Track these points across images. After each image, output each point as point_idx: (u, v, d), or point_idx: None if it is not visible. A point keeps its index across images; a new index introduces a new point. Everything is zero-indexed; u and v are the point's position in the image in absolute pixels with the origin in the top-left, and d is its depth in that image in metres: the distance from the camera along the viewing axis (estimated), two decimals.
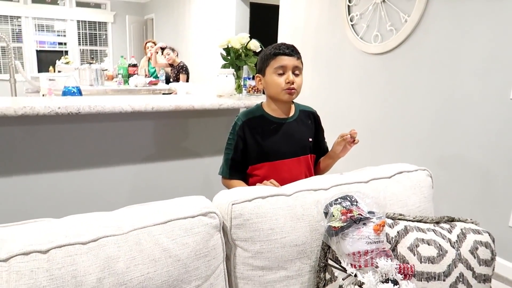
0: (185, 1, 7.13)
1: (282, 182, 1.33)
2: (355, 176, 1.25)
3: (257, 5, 6.08)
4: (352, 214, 0.93)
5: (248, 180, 1.50)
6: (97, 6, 9.85)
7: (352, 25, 3.39)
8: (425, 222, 1.10)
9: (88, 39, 9.86)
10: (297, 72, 1.41)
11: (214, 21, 5.94)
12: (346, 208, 0.95)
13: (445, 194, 2.58)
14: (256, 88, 2.37)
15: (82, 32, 9.77)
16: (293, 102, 1.52)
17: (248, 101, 2.21)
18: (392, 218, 1.09)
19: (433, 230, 1.07)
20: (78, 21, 9.66)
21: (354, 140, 1.39)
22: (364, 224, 0.93)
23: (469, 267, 1.02)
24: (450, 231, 1.07)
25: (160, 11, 8.70)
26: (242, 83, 2.45)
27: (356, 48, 3.35)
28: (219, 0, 5.73)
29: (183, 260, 0.93)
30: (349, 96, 3.44)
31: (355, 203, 0.97)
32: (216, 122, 2.29)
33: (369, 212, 0.96)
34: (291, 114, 1.50)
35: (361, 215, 0.93)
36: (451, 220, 1.12)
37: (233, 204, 1.03)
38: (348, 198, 0.97)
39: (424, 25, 2.76)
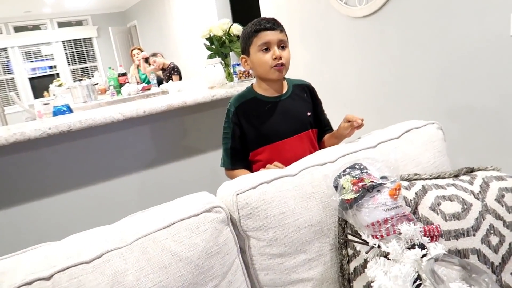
0: (164, 1, 7.01)
1: (287, 162, 1.25)
2: (361, 143, 1.18)
3: None
4: (364, 183, 0.87)
5: (252, 167, 1.44)
6: (79, 23, 9.77)
7: None
8: (443, 178, 1.03)
9: (76, 58, 9.81)
10: (283, 45, 1.33)
11: (196, 15, 5.83)
12: (356, 177, 0.89)
13: (460, 148, 2.50)
14: (247, 72, 2.30)
15: (69, 52, 9.72)
16: (284, 78, 1.44)
17: (241, 87, 2.14)
18: (407, 180, 1.02)
19: (453, 185, 1.00)
20: (63, 42, 9.60)
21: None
22: (379, 191, 0.87)
23: (498, 217, 0.95)
24: (471, 183, 1.00)
25: (142, 17, 8.59)
26: (231, 71, 2.38)
27: (342, 14, 3.24)
28: None
29: (194, 262, 0.87)
30: (344, 64, 3.35)
31: (365, 171, 0.90)
32: (212, 115, 2.22)
33: (382, 178, 0.89)
34: (285, 90, 1.42)
35: (374, 182, 0.86)
36: (470, 171, 1.05)
37: (237, 194, 0.98)
38: (357, 167, 0.91)
39: None
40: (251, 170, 1.44)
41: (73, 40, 9.70)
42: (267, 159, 1.37)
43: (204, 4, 5.46)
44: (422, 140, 1.19)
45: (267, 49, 1.31)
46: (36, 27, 9.33)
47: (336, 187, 0.91)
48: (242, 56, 1.40)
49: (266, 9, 4.18)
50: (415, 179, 1.02)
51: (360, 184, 0.87)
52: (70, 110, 2.15)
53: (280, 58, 1.30)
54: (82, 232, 0.92)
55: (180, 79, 5.08)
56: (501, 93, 2.23)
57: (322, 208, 1.01)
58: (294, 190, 1.00)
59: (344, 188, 0.88)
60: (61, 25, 9.52)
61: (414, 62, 2.71)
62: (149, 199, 2.10)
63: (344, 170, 0.91)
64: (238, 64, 2.37)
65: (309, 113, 1.44)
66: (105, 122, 1.78)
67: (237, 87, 2.14)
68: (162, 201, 2.17)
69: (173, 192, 2.19)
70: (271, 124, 1.37)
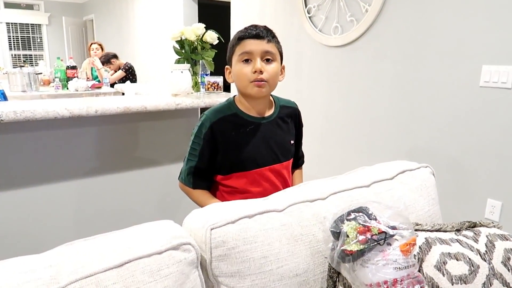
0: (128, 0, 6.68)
1: (262, 193, 1.10)
2: (353, 180, 1.04)
3: (206, 3, 5.80)
4: (373, 233, 0.72)
5: (217, 189, 1.24)
6: (29, 7, 9.05)
7: (309, 17, 3.23)
8: (445, 231, 0.91)
9: (20, 43, 9.03)
10: (268, 57, 1.14)
11: (160, 19, 5.58)
12: (363, 224, 0.73)
13: None
14: (216, 84, 2.12)
15: (13, 36, 8.94)
16: (272, 96, 1.27)
17: (208, 99, 1.95)
18: None
19: (457, 241, 0.88)
20: (7, 24, 8.82)
21: None
22: (389, 244, 0.72)
23: (505, 283, 0.84)
24: (476, 240, 0.89)
25: (100, 11, 8.13)
26: (199, 80, 2.18)
27: (315, 41, 3.20)
28: None
29: None
30: (311, 92, 3.28)
31: (374, 217, 0.75)
32: (173, 125, 2.00)
33: (391, 227, 0.74)
34: (271, 112, 1.24)
35: (385, 233, 0.71)
36: (472, 225, 0.94)
37: (212, 229, 0.78)
38: (364, 211, 0.75)
39: (386, 14, 2.65)
40: (214, 194, 1.25)
41: (20, 23, 8.94)
42: (240, 187, 1.19)
43: (170, 8, 5.25)
44: (417, 184, 1.08)
45: (248, 61, 1.13)
46: None
47: (336, 233, 0.75)
48: (226, 66, 1.22)
49: (236, 22, 4.06)
50: (417, 230, 0.89)
51: (368, 234, 0.71)
52: (4, 97, 1.82)
53: (261, 72, 1.12)
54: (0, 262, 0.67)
55: (134, 81, 4.77)
56: (464, 142, 2.25)
57: (310, 255, 0.84)
58: (280, 230, 0.83)
59: (348, 237, 0.72)
60: (8, 5, 8.75)
61: (383, 98, 2.70)
62: (87, 213, 1.81)
63: (348, 214, 0.76)
64: (207, 74, 2.18)
65: (292, 141, 1.28)
66: (46, 117, 1.49)
67: (204, 99, 1.95)
68: (103, 217, 1.88)
69: (116, 208, 1.93)
70: (250, 149, 1.18)
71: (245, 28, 1.16)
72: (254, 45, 1.12)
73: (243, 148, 1.17)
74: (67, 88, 3.80)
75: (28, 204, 1.65)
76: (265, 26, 1.18)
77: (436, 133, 2.40)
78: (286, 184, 1.27)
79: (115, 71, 4.67)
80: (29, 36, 9.12)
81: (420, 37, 2.43)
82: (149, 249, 0.70)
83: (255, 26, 1.16)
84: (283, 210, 0.87)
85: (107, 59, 4.67)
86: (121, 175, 1.88)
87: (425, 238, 0.86)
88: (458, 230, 0.93)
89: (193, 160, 1.21)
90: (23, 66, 3.89)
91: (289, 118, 1.28)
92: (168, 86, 2.06)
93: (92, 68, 4.88)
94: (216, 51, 2.15)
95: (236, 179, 1.19)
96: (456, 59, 2.25)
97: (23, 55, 9.09)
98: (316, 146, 3.24)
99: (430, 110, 2.41)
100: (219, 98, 1.96)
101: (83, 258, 0.68)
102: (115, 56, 4.77)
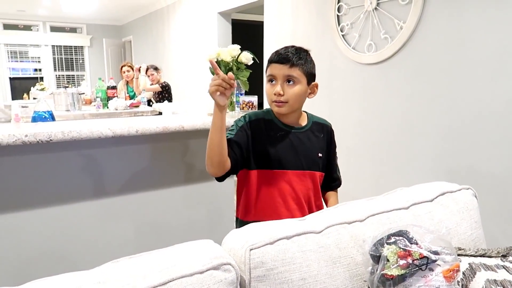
0: (164, 21, 6.95)
1: (281, 194, 1.27)
2: (391, 201, 1.03)
3: (240, 22, 5.94)
4: (415, 258, 0.71)
5: (242, 184, 1.34)
6: (73, 30, 9.59)
7: (343, 35, 3.24)
8: (490, 256, 0.88)
9: (64, 64, 9.55)
10: (289, 80, 1.24)
11: (195, 39, 5.76)
12: (403, 248, 0.72)
13: None
14: (251, 103, 2.15)
15: (58, 57, 9.46)
16: (306, 112, 1.38)
17: None
18: None
19: (503, 267, 0.85)
20: (53, 46, 9.36)
21: None
22: (431, 269, 0.71)
23: None
24: None
25: (138, 33, 8.49)
26: (234, 100, 2.23)
27: (349, 58, 3.20)
28: (199, 18, 5.56)
29: None
30: (345, 110, 3.27)
31: (414, 241, 0.74)
32: None
33: (433, 252, 0.73)
34: (303, 124, 1.35)
35: (427, 258, 0.70)
36: None
37: (251, 250, 0.79)
38: (404, 235, 0.75)
39: (422, 31, 2.62)
40: (239, 190, 1.35)
41: (64, 46, 9.47)
42: (262, 183, 1.29)
43: (206, 31, 5.40)
44: (458, 207, 1.05)
45: (273, 81, 1.26)
46: (27, 28, 9.08)
47: (376, 256, 0.75)
48: None
49: (269, 41, 4.13)
50: (460, 255, 0.87)
51: (410, 258, 0.70)
52: (52, 118, 1.94)
53: (281, 95, 1.23)
54: (47, 279, 0.71)
55: (170, 100, 4.92)
56: (508, 161, 2.16)
57: (349, 278, 0.83)
58: (318, 252, 0.83)
59: (388, 261, 0.72)
60: (54, 29, 9.30)
61: (419, 117, 2.65)
62: (128, 230, 1.87)
63: (389, 237, 0.75)
64: (241, 94, 2.23)
65: (320, 154, 1.35)
66: (91, 136, 1.58)
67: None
68: (142, 234, 1.93)
69: (155, 225, 1.98)
70: (278, 150, 1.29)
71: (276, 51, 1.28)
72: (277, 70, 1.24)
73: (271, 148, 1.29)
74: (107, 107, 3.98)
75: (72, 221, 1.73)
76: (295, 49, 1.26)
77: (477, 153, 2.31)
78: (308, 193, 1.33)
79: (153, 82, 4.84)
80: (72, 58, 9.62)
81: (458, 53, 2.38)
82: (191, 268, 0.72)
83: (285, 49, 1.26)
84: (321, 231, 0.87)
85: (154, 67, 4.88)
86: (159, 192, 1.94)
87: (469, 263, 0.84)
88: (504, 256, 0.89)
89: (230, 134, 1.30)
90: (67, 86, 4.12)
91: (321, 133, 1.37)
92: (204, 106, 2.11)
93: (128, 87, 5.10)
94: (251, 71, 2.20)
95: (260, 175, 1.29)
96: (497, 75, 2.18)
97: (66, 75, 9.58)
98: (350, 164, 3.20)
99: (471, 128, 2.34)
100: None
101: (129, 276, 0.71)
102: (160, 70, 5.02)
